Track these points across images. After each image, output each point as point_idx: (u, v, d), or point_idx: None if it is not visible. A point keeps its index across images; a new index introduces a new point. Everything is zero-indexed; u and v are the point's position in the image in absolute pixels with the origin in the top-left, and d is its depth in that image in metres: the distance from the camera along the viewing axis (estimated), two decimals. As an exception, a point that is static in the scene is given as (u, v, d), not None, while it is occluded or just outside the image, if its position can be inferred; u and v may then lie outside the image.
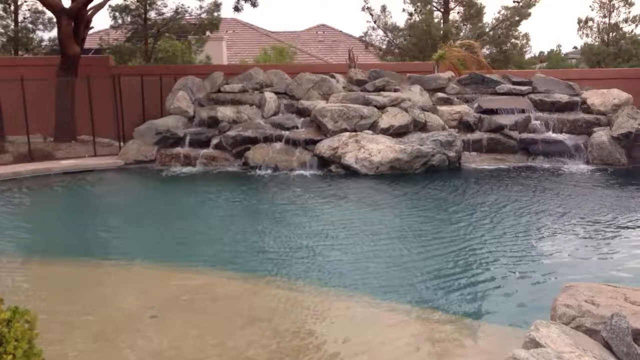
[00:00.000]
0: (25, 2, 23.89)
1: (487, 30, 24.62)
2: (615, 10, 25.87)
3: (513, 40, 24.64)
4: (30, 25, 23.71)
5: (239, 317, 5.41)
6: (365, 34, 25.73)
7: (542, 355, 3.29)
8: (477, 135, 14.16)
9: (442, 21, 24.48)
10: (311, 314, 5.52)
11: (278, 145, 13.76)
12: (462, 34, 24.40)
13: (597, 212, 9.23)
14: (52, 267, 7.15)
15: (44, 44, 24.29)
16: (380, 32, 25.52)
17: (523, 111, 14.64)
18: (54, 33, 22.52)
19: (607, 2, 25.85)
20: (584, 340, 3.70)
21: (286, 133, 13.97)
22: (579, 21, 26.59)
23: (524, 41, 25.30)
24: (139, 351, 4.77)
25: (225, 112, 14.88)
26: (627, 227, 8.39)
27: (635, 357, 3.55)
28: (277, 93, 15.56)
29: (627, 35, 25.55)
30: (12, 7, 22.91)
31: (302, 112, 14.76)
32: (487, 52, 24.03)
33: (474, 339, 4.96)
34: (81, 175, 13.39)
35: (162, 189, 12.30)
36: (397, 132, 13.72)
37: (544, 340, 3.54)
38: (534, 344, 3.55)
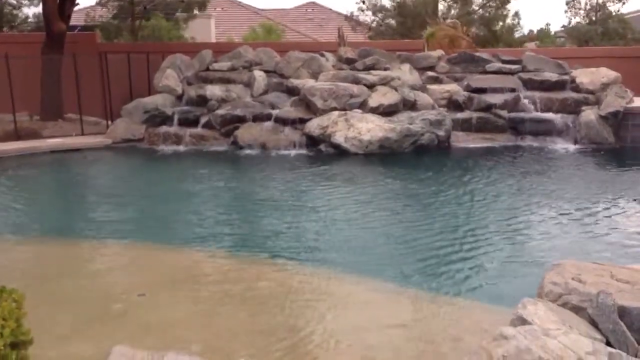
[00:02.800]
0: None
1: (477, 8, 24.50)
2: None
3: (502, 18, 24.53)
4: (14, 1, 23.33)
5: (228, 296, 5.42)
6: (352, 14, 25.64)
7: (529, 332, 3.32)
8: (466, 114, 14.14)
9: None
10: (301, 293, 5.55)
11: (267, 124, 13.68)
12: (451, 13, 24.27)
13: (584, 191, 9.30)
14: (38, 247, 7.13)
15: (29, 20, 23.93)
16: (370, 14, 25.41)
17: (512, 90, 14.63)
18: (38, 9, 22.16)
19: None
20: (570, 317, 3.74)
21: (275, 112, 13.89)
22: (567, 2, 26.57)
23: (515, 20, 25.21)
24: (127, 330, 4.77)
25: (214, 90, 14.76)
26: (614, 206, 8.47)
27: (620, 334, 3.59)
28: (266, 71, 15.44)
29: (613, 14, 25.52)
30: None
31: (291, 91, 14.66)
32: (477, 31, 23.91)
33: (463, 318, 5.00)
34: (68, 154, 13.29)
35: (150, 168, 12.25)
36: (387, 111, 13.68)
37: (531, 318, 3.58)
38: (521, 321, 3.59)
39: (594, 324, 3.72)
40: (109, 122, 15.24)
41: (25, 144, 13.61)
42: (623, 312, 3.72)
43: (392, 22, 24.75)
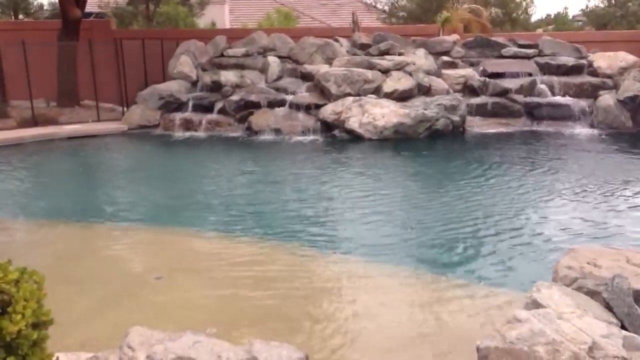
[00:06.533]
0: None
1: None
2: None
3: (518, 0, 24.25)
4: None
5: (244, 279, 5.47)
6: None
7: (543, 315, 3.33)
8: (481, 99, 14.04)
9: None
10: (315, 276, 5.58)
11: (281, 110, 13.69)
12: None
13: (601, 176, 9.22)
14: (58, 230, 7.22)
15: (44, 7, 24.05)
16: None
17: (529, 75, 14.49)
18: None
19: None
20: (585, 301, 3.74)
21: (290, 97, 13.89)
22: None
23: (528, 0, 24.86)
24: (144, 311, 4.84)
25: (228, 76, 14.77)
26: (631, 191, 8.39)
27: (635, 318, 3.58)
28: (280, 57, 15.42)
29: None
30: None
31: (305, 77, 14.64)
32: (493, 12, 23.62)
33: (478, 301, 5.01)
34: (85, 140, 13.42)
35: (165, 154, 12.32)
36: (401, 96, 13.62)
37: (545, 301, 3.58)
38: (535, 304, 3.59)
39: (609, 307, 3.71)
40: (125, 109, 15.33)
41: (42, 130, 13.74)
42: (638, 296, 3.72)
43: (407, 4, 24.53)
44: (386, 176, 9.70)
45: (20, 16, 23.76)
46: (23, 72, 14.04)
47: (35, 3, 24.36)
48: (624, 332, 3.39)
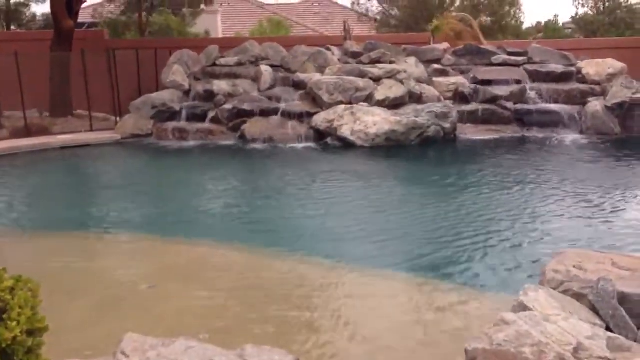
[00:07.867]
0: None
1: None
2: None
3: (507, 7, 24.47)
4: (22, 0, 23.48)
5: (234, 286, 5.52)
6: (357, 1, 25.66)
7: (529, 318, 3.40)
8: (472, 106, 14.16)
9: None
10: (307, 283, 5.63)
11: (274, 118, 13.75)
12: (457, 4, 24.19)
13: (589, 182, 9.31)
14: (51, 240, 7.25)
15: (37, 18, 24.08)
16: (375, 3, 25.39)
17: (518, 82, 14.63)
18: (46, 7, 22.30)
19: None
20: (571, 304, 3.81)
21: (282, 106, 13.95)
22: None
23: (517, 7, 25.10)
24: (138, 320, 4.88)
25: (221, 85, 14.83)
26: (618, 196, 8.49)
27: (620, 319, 3.65)
28: (272, 66, 15.49)
29: (622, 4, 25.33)
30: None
31: (298, 85, 14.72)
32: (485, 19, 23.82)
33: (465, 305, 5.07)
34: (79, 150, 13.42)
35: (158, 163, 12.35)
36: (393, 104, 13.71)
37: (532, 304, 3.65)
38: (522, 307, 3.66)
39: (594, 310, 3.78)
40: (118, 118, 15.36)
41: (36, 140, 13.74)
42: (623, 299, 3.78)
43: (399, 13, 24.72)
44: (377, 183, 9.76)
45: (13, 27, 23.77)
46: (16, 82, 14.05)
47: (28, 13, 24.39)
48: (608, 333, 3.46)
